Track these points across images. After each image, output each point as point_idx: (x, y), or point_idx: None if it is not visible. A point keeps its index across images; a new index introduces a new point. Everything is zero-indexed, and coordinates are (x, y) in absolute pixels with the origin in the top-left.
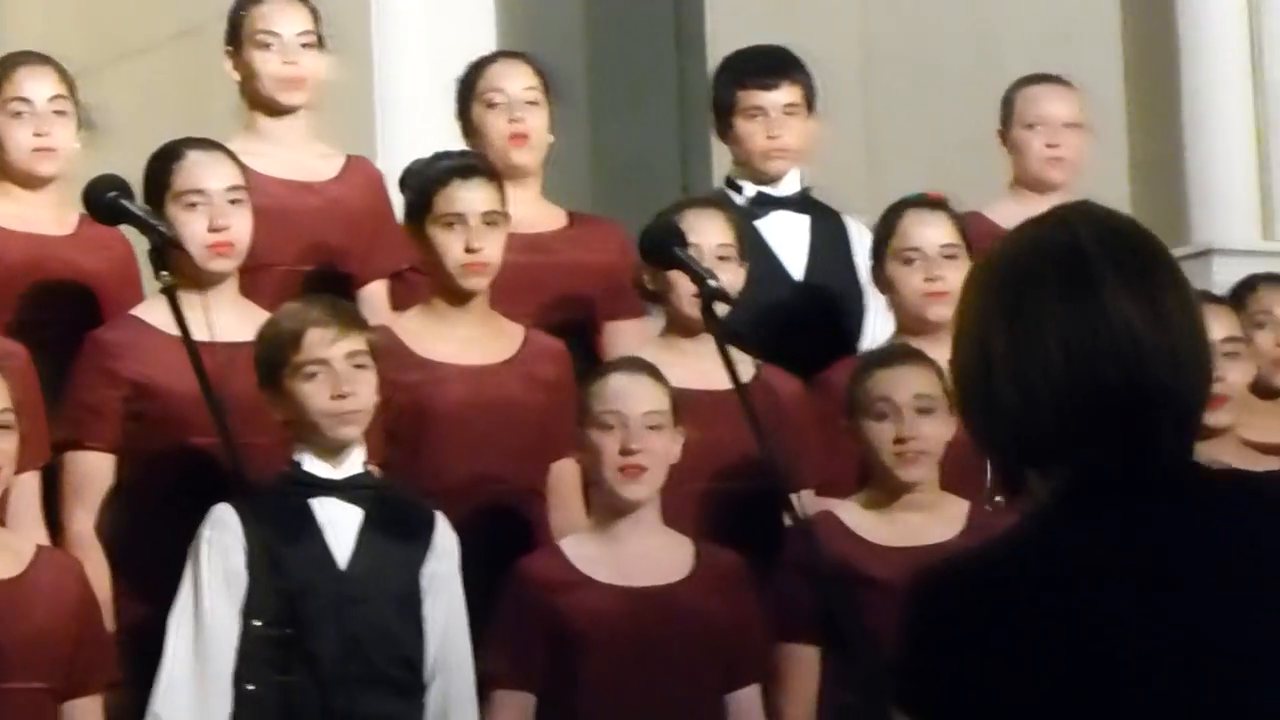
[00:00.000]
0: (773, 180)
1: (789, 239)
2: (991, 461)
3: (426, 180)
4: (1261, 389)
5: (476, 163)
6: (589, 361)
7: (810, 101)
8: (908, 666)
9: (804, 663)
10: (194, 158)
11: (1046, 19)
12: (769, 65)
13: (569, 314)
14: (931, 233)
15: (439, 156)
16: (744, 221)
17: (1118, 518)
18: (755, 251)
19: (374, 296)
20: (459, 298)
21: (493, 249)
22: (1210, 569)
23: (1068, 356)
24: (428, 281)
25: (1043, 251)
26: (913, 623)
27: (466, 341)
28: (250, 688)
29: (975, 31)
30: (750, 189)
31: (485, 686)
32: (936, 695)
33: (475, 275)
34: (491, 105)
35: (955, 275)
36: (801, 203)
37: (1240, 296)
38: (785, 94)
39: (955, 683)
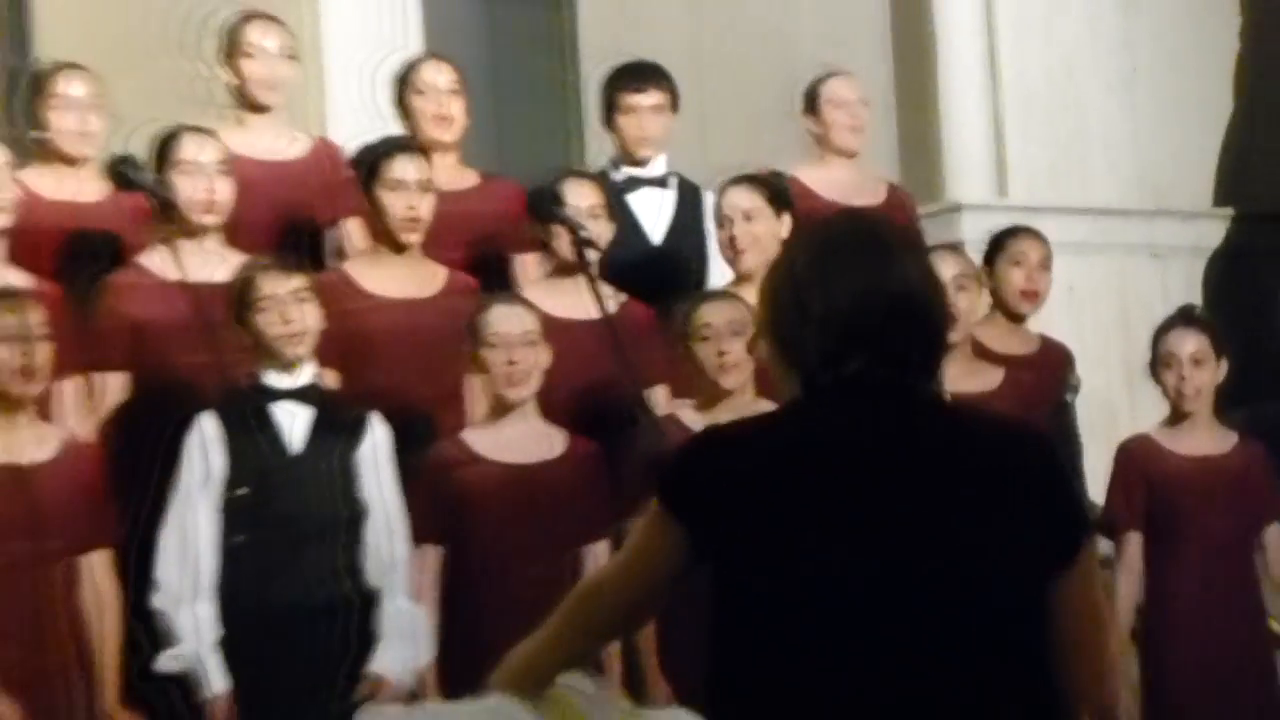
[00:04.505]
0: (641, 164)
1: (652, 211)
2: (784, 365)
3: (374, 155)
4: (1009, 313)
5: (410, 143)
6: (498, 284)
7: (674, 102)
8: (668, 476)
9: None
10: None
11: (830, 21)
12: (640, 75)
13: (486, 248)
14: (735, 198)
15: (383, 140)
16: (615, 194)
17: (849, 410)
18: (623, 219)
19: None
20: (397, 246)
21: (425, 208)
22: (916, 460)
23: (866, 286)
24: (371, 230)
25: (849, 230)
26: (679, 453)
27: (402, 279)
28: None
29: (777, 32)
30: (625, 170)
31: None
32: (683, 496)
33: (411, 231)
34: (421, 93)
35: (761, 227)
36: (664, 180)
37: (1001, 240)
38: (652, 97)
39: (698, 496)
